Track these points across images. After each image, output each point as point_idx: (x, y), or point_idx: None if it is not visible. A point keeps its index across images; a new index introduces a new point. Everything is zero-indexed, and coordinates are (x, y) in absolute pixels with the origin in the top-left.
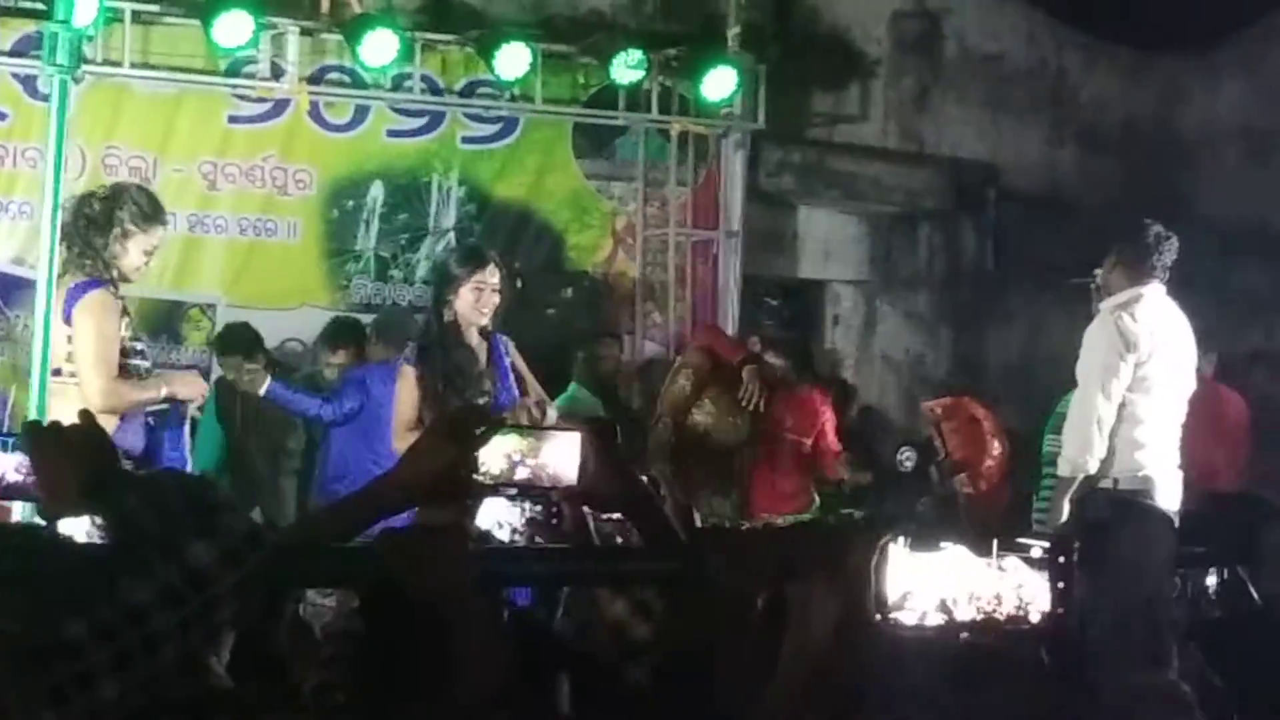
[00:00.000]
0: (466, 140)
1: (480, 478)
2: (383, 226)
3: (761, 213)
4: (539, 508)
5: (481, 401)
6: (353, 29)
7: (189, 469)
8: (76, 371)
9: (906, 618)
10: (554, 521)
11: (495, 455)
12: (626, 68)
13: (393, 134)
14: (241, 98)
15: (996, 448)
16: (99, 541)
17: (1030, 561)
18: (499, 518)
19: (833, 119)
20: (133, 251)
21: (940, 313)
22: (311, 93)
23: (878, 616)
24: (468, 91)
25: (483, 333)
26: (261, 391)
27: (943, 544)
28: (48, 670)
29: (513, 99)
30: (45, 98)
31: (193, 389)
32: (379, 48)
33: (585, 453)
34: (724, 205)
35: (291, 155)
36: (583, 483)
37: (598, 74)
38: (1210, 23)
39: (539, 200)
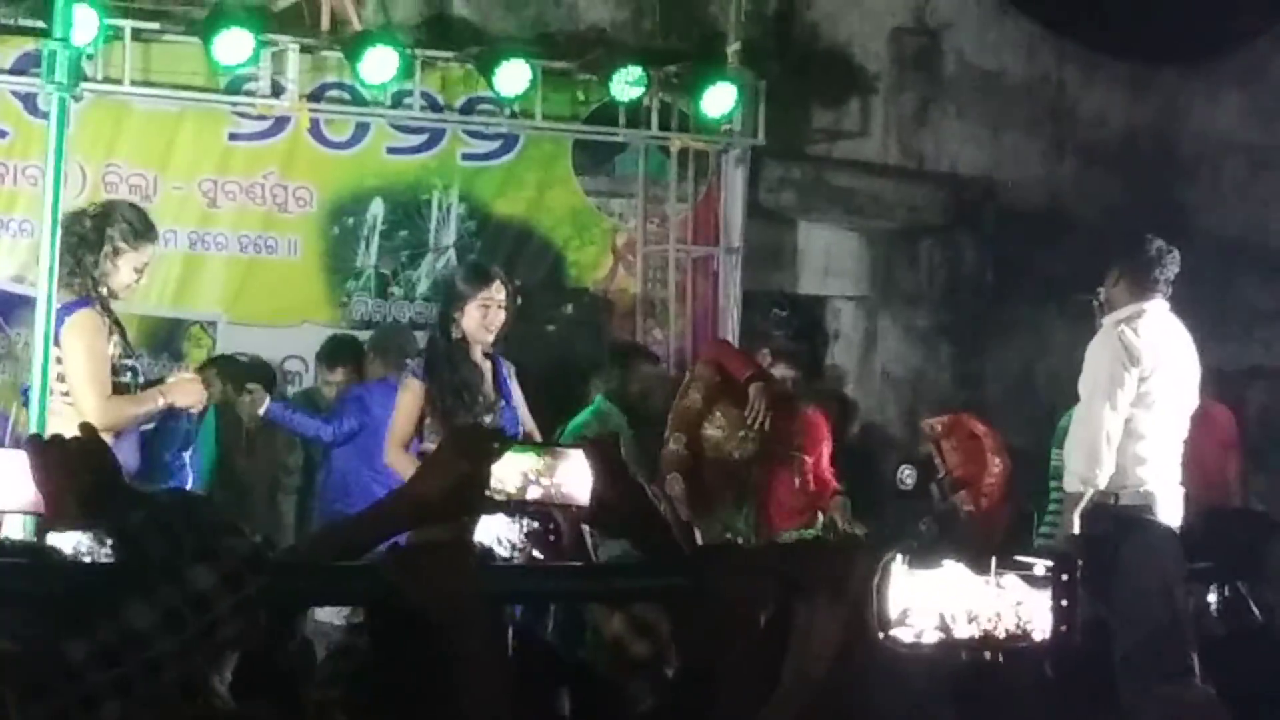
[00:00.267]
0: (466, 157)
1: (493, 495)
2: (383, 243)
3: (762, 229)
4: (536, 524)
5: (489, 419)
6: (353, 46)
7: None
8: (70, 391)
9: (904, 635)
10: (551, 539)
11: (511, 473)
12: (626, 84)
13: (393, 151)
14: (242, 115)
15: (997, 465)
16: (99, 561)
17: (1030, 579)
18: (498, 534)
19: (833, 135)
20: (123, 269)
21: (940, 328)
22: (312, 110)
23: (880, 634)
24: (468, 108)
25: (486, 355)
26: (260, 412)
27: (941, 561)
28: (49, 693)
29: (513, 116)
30: (45, 115)
31: (190, 395)
32: (379, 65)
33: (590, 470)
34: (724, 221)
35: (292, 172)
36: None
37: (598, 90)
38: (1210, 37)
39: (539, 217)
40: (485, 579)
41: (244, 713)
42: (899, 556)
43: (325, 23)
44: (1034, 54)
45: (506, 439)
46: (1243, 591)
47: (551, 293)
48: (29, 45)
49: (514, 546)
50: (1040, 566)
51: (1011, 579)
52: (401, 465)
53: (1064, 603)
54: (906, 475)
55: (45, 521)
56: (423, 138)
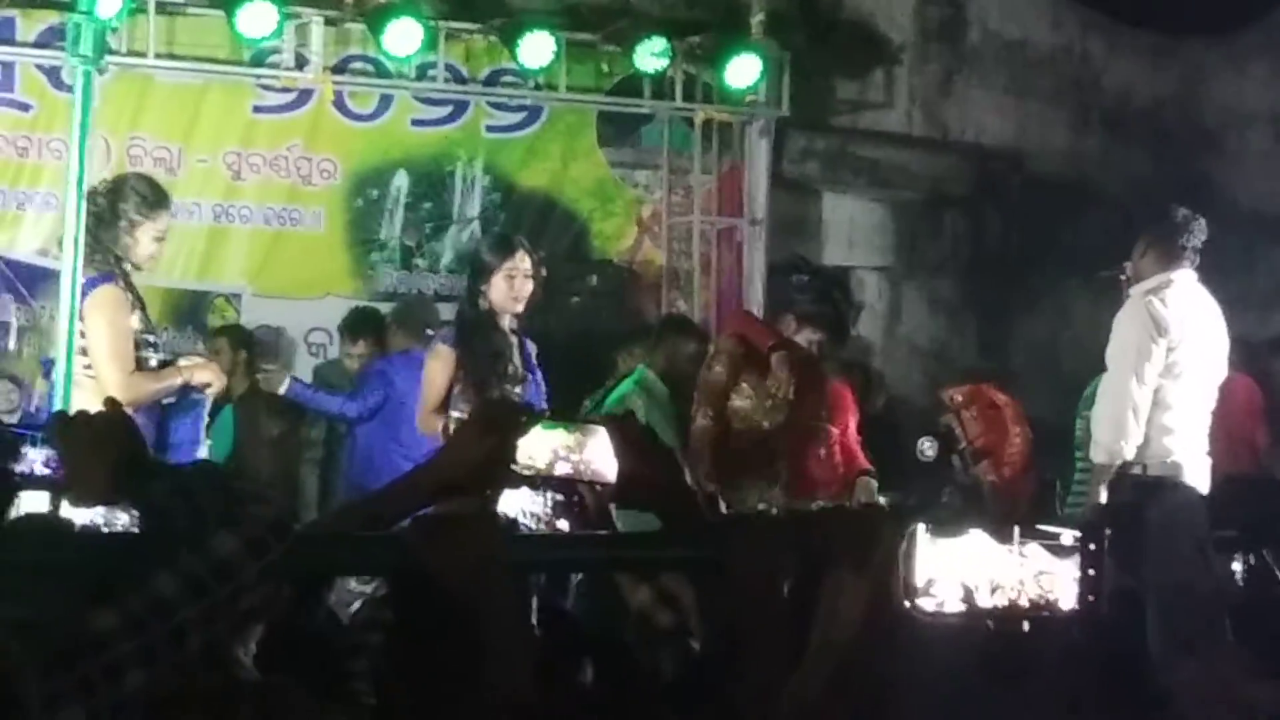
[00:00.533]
0: (491, 129)
1: (522, 469)
2: (407, 215)
3: (786, 200)
4: (561, 496)
5: (518, 390)
6: (377, 18)
7: (202, 456)
8: (92, 366)
9: (928, 604)
10: (575, 510)
11: (541, 448)
12: (650, 55)
13: (417, 123)
14: (266, 88)
15: (1018, 435)
16: (123, 531)
17: (1054, 549)
18: (523, 506)
19: (857, 106)
20: (143, 240)
21: (965, 299)
22: (336, 82)
23: (905, 603)
24: (492, 80)
25: (512, 331)
26: (281, 391)
27: (965, 531)
28: (75, 661)
29: (537, 87)
30: (70, 89)
31: (209, 374)
32: (403, 37)
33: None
34: (748, 193)
35: (316, 145)
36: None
37: (622, 62)
38: (1235, 6)
39: (563, 189)
40: (508, 549)
41: (268, 684)
42: (923, 525)
43: None
44: (1058, 24)
45: (535, 413)
46: (1268, 560)
47: (575, 264)
48: (54, 19)
49: (539, 519)
50: (1066, 536)
51: (1035, 548)
52: (434, 430)
53: (1091, 572)
54: (927, 446)
55: (72, 497)
56: (447, 110)
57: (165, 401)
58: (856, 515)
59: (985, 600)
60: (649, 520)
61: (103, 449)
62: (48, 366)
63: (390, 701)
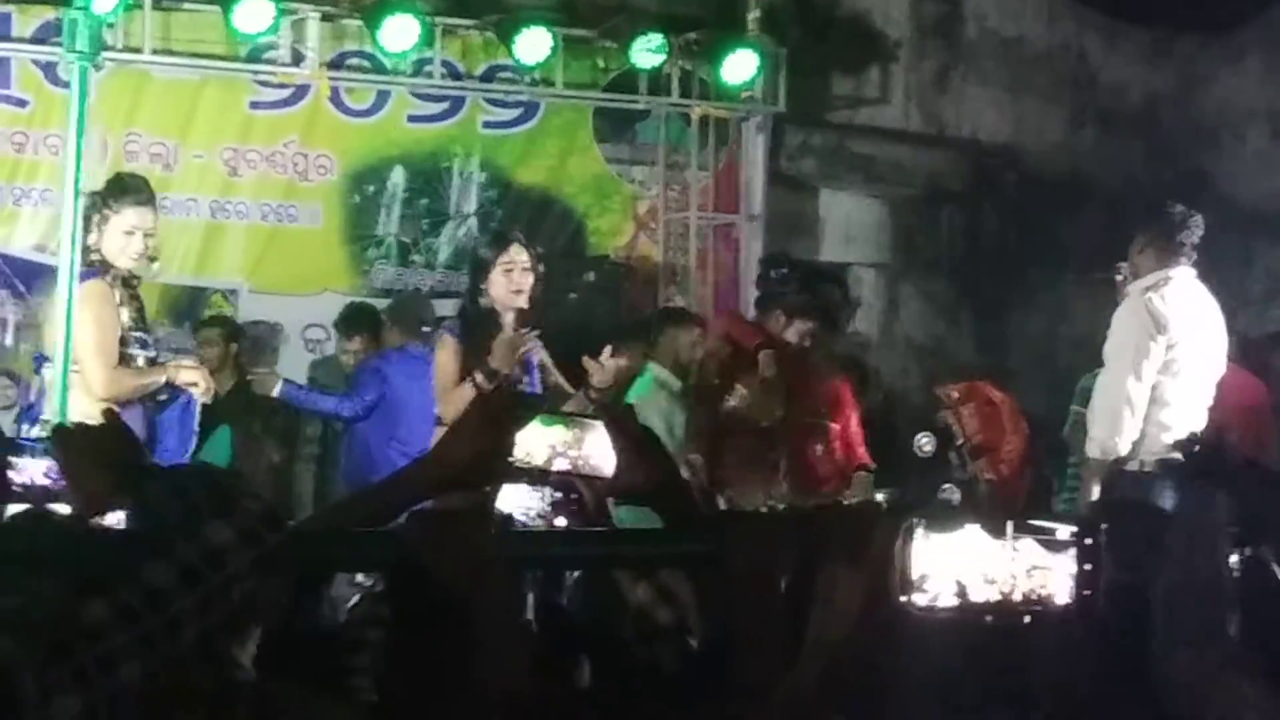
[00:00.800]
0: (487, 125)
1: (520, 465)
2: (404, 212)
3: (783, 196)
4: (559, 493)
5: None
6: (373, 14)
7: (191, 453)
8: (77, 360)
9: (921, 599)
10: (574, 507)
11: (539, 444)
12: (647, 51)
13: (413, 119)
14: (262, 84)
15: (1015, 431)
16: (118, 527)
17: (1047, 544)
18: (520, 502)
19: (854, 102)
20: (110, 234)
21: (962, 295)
22: (332, 78)
23: (901, 599)
24: (488, 76)
25: (519, 324)
26: (274, 393)
27: (959, 526)
28: (70, 652)
29: (533, 83)
30: (66, 85)
31: (194, 375)
32: (399, 33)
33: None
34: (745, 189)
35: (312, 141)
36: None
37: (618, 58)
38: (1232, 3)
39: (560, 185)
40: (506, 545)
41: (267, 685)
42: (919, 521)
43: None
44: (1055, 20)
45: (532, 405)
46: (1265, 555)
47: (572, 260)
48: (50, 14)
49: (538, 515)
50: (1061, 531)
51: (1028, 543)
52: (459, 407)
53: (1087, 567)
54: (925, 442)
55: (73, 507)
56: (443, 106)
57: (159, 399)
58: (852, 511)
59: (979, 595)
60: (654, 515)
61: (103, 459)
62: (39, 363)
63: (389, 697)
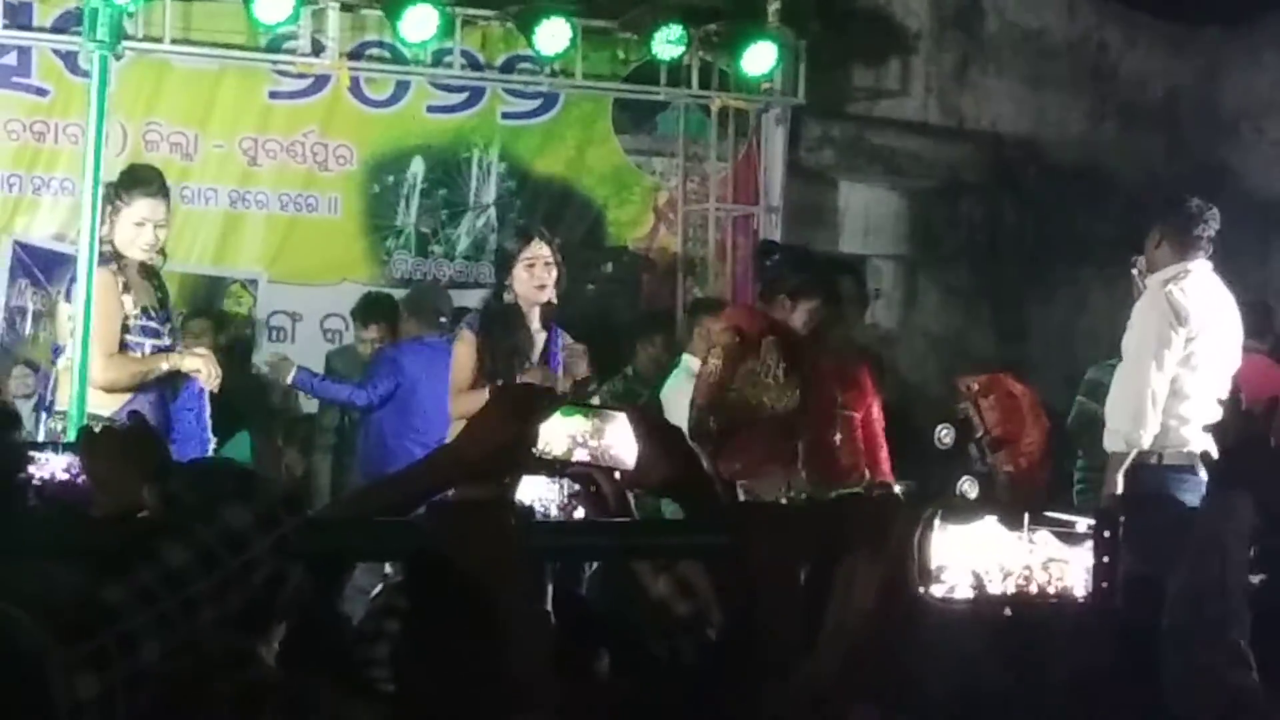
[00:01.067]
0: (507, 116)
1: (540, 456)
2: (423, 202)
3: (802, 188)
4: (578, 485)
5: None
6: (393, 4)
7: (207, 441)
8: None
9: (938, 590)
10: (593, 499)
11: (559, 435)
12: (667, 43)
13: (433, 110)
14: (282, 73)
15: (1035, 424)
16: (139, 515)
17: (1065, 536)
18: (539, 494)
19: (873, 94)
20: (121, 225)
21: (981, 287)
22: (352, 68)
23: (920, 590)
24: (508, 67)
25: (544, 324)
26: (288, 381)
27: (977, 517)
28: (91, 634)
29: (553, 74)
30: (86, 74)
31: (197, 362)
32: (419, 23)
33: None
34: (764, 180)
35: (332, 131)
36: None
37: (638, 49)
38: None
39: (579, 176)
40: (526, 536)
41: (292, 682)
42: (938, 511)
43: None
44: (1075, 13)
45: (556, 397)
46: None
47: (591, 251)
48: (70, 3)
49: (558, 508)
50: (1080, 524)
51: (1044, 535)
52: (466, 412)
53: (1105, 560)
54: (944, 434)
55: (98, 508)
56: (463, 96)
57: (175, 386)
58: (873, 503)
59: (995, 587)
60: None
61: (133, 460)
62: (57, 353)
63: (409, 689)
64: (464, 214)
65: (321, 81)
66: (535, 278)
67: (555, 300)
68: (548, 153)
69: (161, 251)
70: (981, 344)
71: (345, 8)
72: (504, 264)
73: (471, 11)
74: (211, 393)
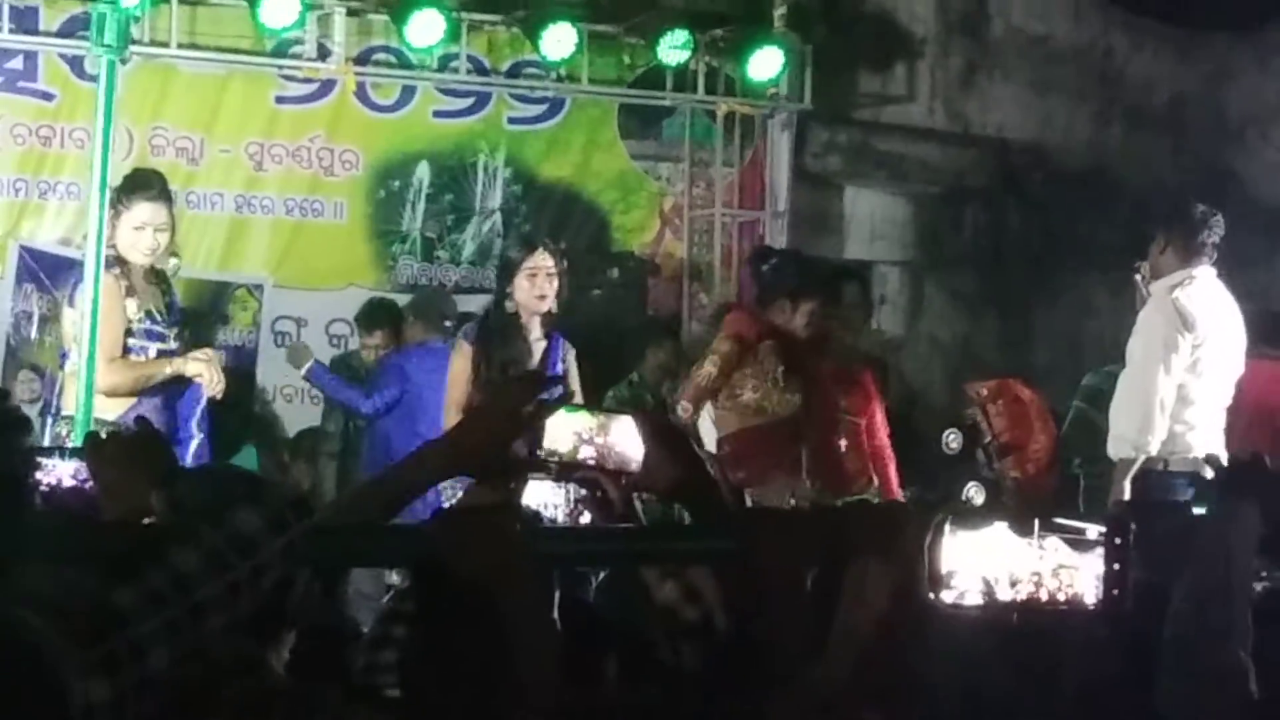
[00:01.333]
0: (513, 121)
1: (546, 457)
2: (429, 207)
3: (808, 193)
4: (584, 491)
5: None
6: (399, 9)
7: (204, 446)
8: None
9: (948, 596)
10: (599, 504)
11: (564, 433)
12: (672, 48)
13: (439, 115)
14: (288, 78)
15: (1043, 430)
16: (149, 521)
17: (1074, 543)
18: (545, 499)
19: (879, 99)
20: (121, 229)
21: (986, 293)
22: (358, 73)
23: (930, 596)
24: (514, 72)
25: (546, 333)
26: (303, 371)
27: (986, 523)
28: (102, 638)
29: (559, 79)
30: (93, 78)
31: (199, 367)
32: (425, 28)
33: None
34: (770, 186)
35: (338, 136)
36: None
37: (644, 54)
38: (1260, 2)
39: (585, 181)
40: (533, 541)
41: (301, 689)
42: (948, 517)
43: None
44: (1081, 18)
45: (551, 380)
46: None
47: (597, 257)
48: (77, 8)
49: (564, 514)
50: (1090, 530)
51: (1054, 541)
52: None
53: (1115, 566)
54: (952, 439)
55: (106, 512)
56: (469, 101)
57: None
58: (881, 509)
59: (1005, 594)
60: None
61: (141, 466)
62: (64, 358)
63: (414, 694)
64: (470, 219)
65: (327, 86)
66: (536, 288)
67: (556, 310)
68: (553, 158)
69: (175, 254)
70: (987, 349)
71: (351, 13)
72: (506, 272)
73: (478, 17)
74: (216, 404)
